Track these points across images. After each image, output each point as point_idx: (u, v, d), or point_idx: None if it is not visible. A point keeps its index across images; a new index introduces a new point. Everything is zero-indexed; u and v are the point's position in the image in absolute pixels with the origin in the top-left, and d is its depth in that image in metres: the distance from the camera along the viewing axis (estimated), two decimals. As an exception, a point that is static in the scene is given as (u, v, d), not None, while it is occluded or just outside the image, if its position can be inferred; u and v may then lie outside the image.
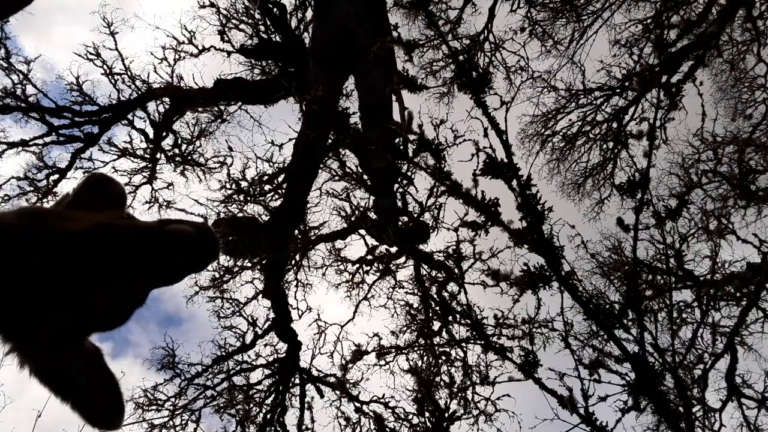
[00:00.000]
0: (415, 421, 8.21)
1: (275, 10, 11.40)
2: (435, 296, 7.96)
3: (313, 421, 9.45)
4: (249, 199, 9.74)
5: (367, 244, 9.60)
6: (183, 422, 9.19)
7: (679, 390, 5.02)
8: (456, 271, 6.95)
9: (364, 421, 9.00)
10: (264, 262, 9.67)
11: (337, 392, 9.23)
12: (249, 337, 10.08)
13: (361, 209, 9.02)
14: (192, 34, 11.28)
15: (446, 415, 7.02)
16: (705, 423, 6.11)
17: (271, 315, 10.18)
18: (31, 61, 10.44)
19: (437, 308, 7.85)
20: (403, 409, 8.62)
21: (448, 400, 7.24)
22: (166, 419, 9.09)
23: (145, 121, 11.25)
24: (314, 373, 9.81)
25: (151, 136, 11.36)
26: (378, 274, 9.72)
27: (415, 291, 8.75)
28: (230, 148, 10.87)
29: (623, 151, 10.17)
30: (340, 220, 9.55)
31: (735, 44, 10.35)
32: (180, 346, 9.85)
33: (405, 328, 8.40)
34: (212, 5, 11.28)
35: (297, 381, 9.85)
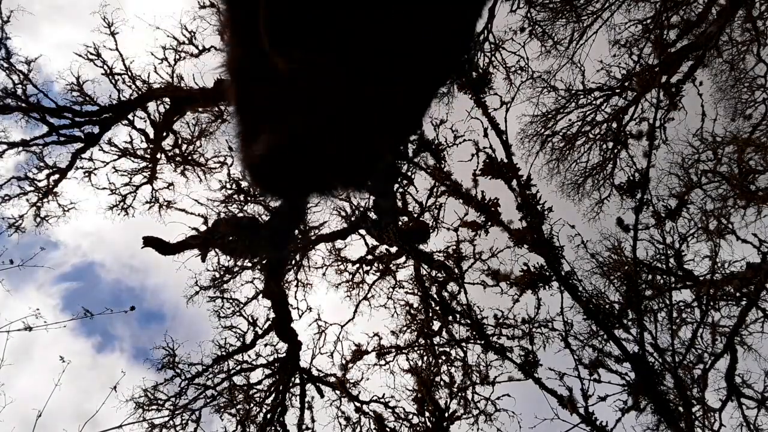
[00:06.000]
0: (415, 421, 8.22)
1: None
2: (435, 296, 7.96)
3: (313, 421, 9.46)
4: (249, 199, 9.73)
5: (367, 244, 9.62)
6: (183, 422, 9.19)
7: (679, 390, 5.02)
8: (456, 271, 6.95)
9: (364, 421, 9.01)
10: (264, 262, 9.67)
11: (337, 392, 9.24)
12: (249, 337, 10.09)
13: (361, 209, 9.02)
14: (192, 34, 11.30)
15: (446, 415, 7.03)
16: (705, 423, 6.11)
17: (271, 315, 10.19)
18: (31, 62, 10.46)
19: (437, 308, 7.85)
20: (403, 409, 8.63)
21: (448, 400, 7.25)
22: (166, 419, 9.09)
23: (145, 122, 11.27)
24: (314, 373, 9.82)
25: (152, 136, 11.37)
26: (378, 274, 9.73)
27: (415, 291, 8.75)
28: (230, 148, 10.90)
29: (623, 151, 10.18)
30: (340, 220, 9.55)
31: (735, 44, 10.35)
32: (181, 346, 9.85)
33: (405, 328, 8.41)
34: (212, 5, 11.28)
35: (297, 381, 9.86)
